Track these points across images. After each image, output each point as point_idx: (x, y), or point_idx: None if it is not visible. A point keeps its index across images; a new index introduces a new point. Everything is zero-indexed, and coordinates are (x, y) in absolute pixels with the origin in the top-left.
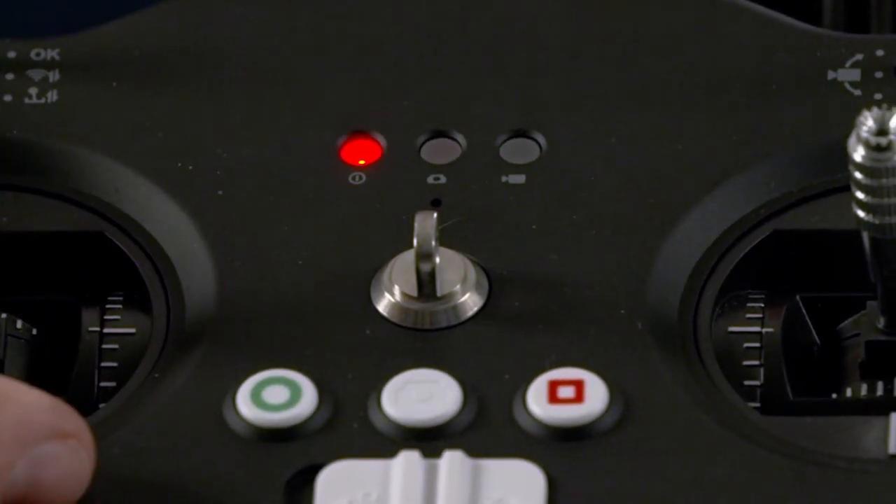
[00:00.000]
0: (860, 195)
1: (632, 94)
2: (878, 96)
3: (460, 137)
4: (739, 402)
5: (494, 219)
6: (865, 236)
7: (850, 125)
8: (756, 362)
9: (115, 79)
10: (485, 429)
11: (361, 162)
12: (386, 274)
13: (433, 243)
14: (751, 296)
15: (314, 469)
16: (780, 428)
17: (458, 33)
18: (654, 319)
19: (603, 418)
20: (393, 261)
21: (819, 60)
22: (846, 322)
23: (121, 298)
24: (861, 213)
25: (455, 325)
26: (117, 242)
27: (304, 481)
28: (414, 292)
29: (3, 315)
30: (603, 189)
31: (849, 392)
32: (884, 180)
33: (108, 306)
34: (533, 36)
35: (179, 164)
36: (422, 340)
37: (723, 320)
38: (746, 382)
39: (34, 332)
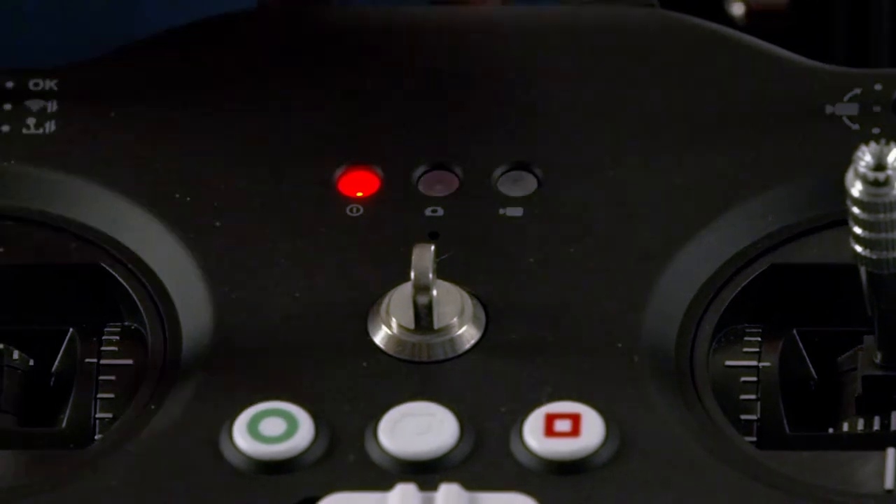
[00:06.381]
0: (858, 230)
1: (629, 128)
2: (875, 130)
3: (458, 170)
4: (736, 436)
5: (491, 251)
6: (863, 271)
7: (847, 159)
8: (753, 396)
9: (113, 110)
10: (481, 462)
11: (359, 194)
12: (383, 306)
13: (430, 276)
14: (748, 329)
15: (311, 501)
16: (776, 462)
17: (455, 66)
18: (651, 353)
19: (599, 452)
20: (390, 293)
21: (817, 94)
22: (843, 356)
23: (118, 329)
24: (858, 248)
25: (452, 358)
26: (115, 274)
27: None
28: (411, 325)
29: (1, 346)
30: (600, 222)
31: (845, 427)
32: (881, 215)
33: (105, 337)
34: (530, 69)
35: (177, 196)
36: (419, 373)
37: (720, 354)
38: (743, 416)
39: (31, 362)
